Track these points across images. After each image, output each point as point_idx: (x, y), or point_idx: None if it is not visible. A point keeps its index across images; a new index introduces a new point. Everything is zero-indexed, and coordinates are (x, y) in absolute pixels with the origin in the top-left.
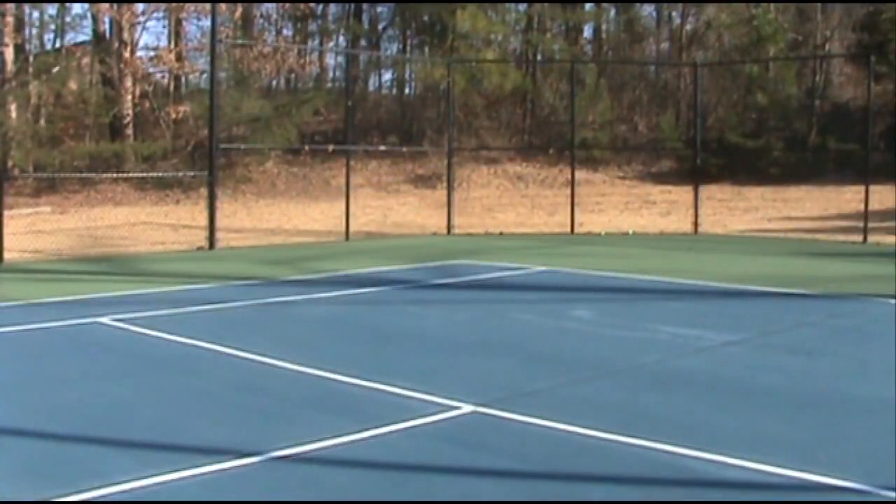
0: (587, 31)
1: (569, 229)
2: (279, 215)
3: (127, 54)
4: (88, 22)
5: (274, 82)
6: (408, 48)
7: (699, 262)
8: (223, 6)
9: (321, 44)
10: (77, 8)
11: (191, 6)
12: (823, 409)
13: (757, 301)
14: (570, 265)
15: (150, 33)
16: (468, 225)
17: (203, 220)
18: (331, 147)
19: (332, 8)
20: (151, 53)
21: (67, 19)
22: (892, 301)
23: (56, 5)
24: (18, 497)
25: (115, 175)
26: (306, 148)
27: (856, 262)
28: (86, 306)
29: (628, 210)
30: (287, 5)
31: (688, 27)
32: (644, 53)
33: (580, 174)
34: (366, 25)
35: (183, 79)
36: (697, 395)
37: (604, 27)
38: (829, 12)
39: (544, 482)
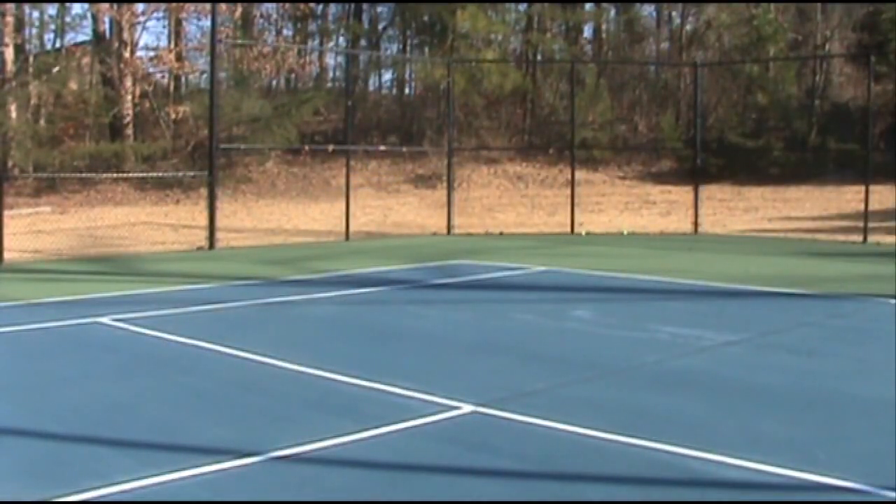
0: (587, 31)
1: (569, 229)
2: (279, 215)
3: (127, 54)
4: (88, 22)
5: (274, 82)
6: (408, 48)
7: (699, 262)
8: (223, 6)
9: (321, 44)
10: (77, 8)
11: (191, 6)
12: (823, 409)
13: (757, 301)
14: (570, 265)
15: (150, 33)
16: (468, 225)
17: (203, 220)
18: (331, 147)
19: (332, 8)
20: (151, 53)
21: (67, 19)
22: (892, 301)
23: (56, 5)
24: (18, 497)
25: (115, 175)
26: (306, 148)
27: (856, 262)
28: (86, 306)
29: (628, 210)
30: (287, 5)
31: (688, 27)
32: (644, 53)
33: (580, 174)
34: (366, 25)
35: (183, 79)
36: (697, 395)
37: (604, 27)
38: (829, 12)
39: (544, 482)
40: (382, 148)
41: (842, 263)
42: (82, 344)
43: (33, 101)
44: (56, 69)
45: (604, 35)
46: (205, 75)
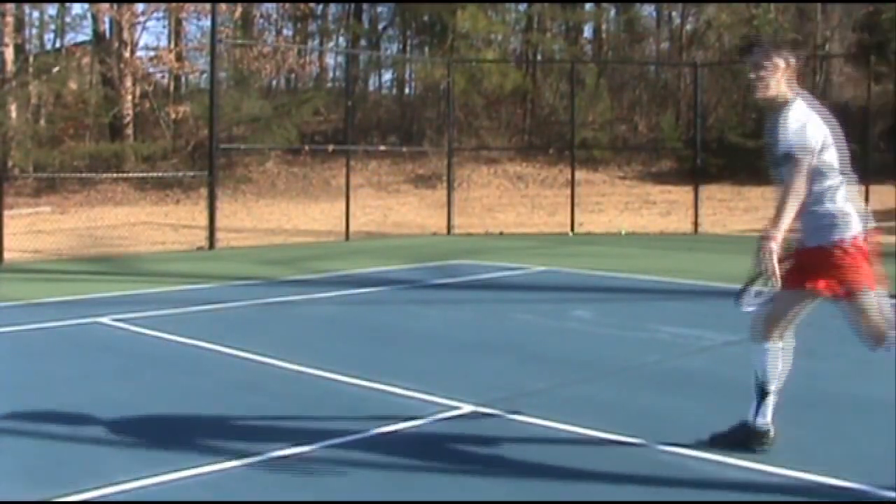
0: (587, 31)
1: (569, 229)
2: (279, 215)
3: (127, 54)
4: (88, 22)
5: (274, 82)
6: (408, 48)
7: (699, 262)
8: (223, 6)
9: (321, 44)
10: (77, 8)
11: (191, 6)
12: (823, 409)
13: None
14: (570, 265)
15: (150, 33)
16: (468, 225)
17: (203, 220)
18: (331, 147)
19: (332, 8)
20: (151, 53)
21: (67, 19)
22: (893, 301)
23: (56, 5)
24: (18, 497)
25: (115, 175)
26: (306, 148)
27: None
28: (86, 306)
29: (628, 210)
30: (287, 5)
31: (688, 27)
32: (644, 53)
33: (580, 174)
34: (366, 25)
35: (183, 79)
36: (697, 395)
37: (604, 27)
38: (829, 12)
39: (544, 482)
40: (382, 148)
41: None
42: (82, 344)
43: (33, 101)
44: (56, 69)
45: (604, 35)
46: (205, 75)
